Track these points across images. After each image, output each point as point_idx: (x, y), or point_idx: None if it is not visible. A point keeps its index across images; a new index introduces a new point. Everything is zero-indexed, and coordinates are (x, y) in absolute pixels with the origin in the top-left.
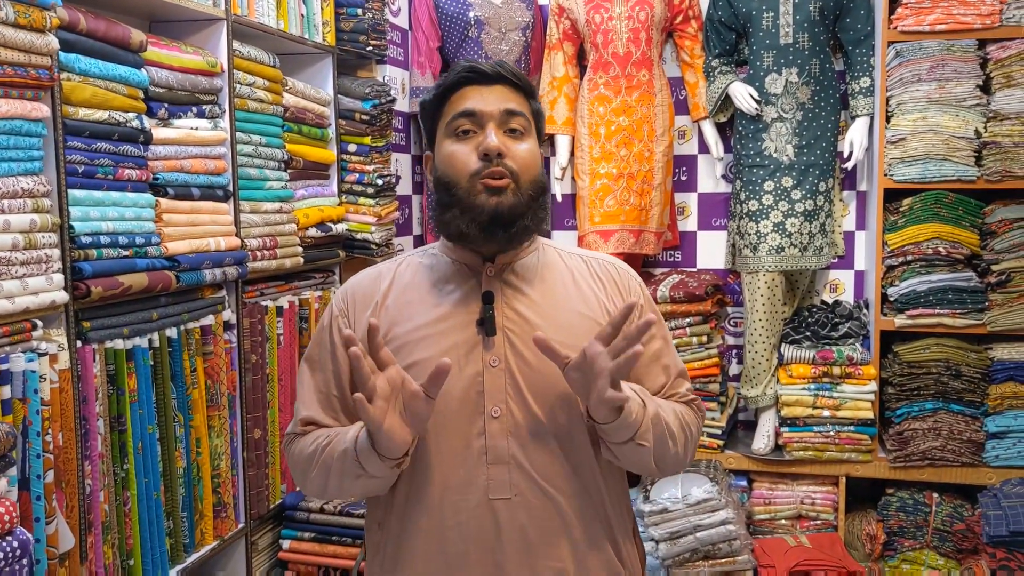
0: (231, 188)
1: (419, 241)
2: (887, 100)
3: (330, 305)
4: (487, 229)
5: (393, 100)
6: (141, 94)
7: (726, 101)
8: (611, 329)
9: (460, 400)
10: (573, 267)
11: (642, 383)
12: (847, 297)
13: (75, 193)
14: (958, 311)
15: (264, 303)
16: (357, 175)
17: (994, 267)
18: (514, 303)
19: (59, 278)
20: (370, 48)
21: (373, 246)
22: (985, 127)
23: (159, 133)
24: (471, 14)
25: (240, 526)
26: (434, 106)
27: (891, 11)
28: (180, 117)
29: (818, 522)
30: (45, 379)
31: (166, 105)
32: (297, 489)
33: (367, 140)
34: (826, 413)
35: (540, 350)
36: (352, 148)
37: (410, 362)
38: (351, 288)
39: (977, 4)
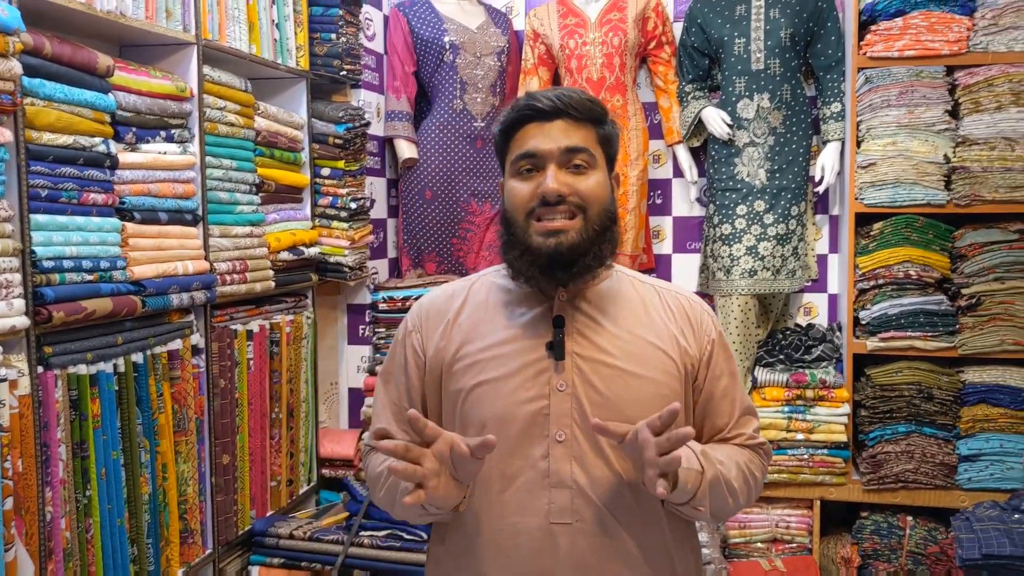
0: (200, 212)
1: (393, 265)
2: (857, 125)
3: (404, 321)
4: (546, 271)
5: (367, 124)
6: (108, 118)
7: (699, 126)
8: (659, 423)
9: (526, 422)
10: (645, 296)
11: (708, 420)
12: (820, 320)
13: (37, 218)
14: (929, 334)
15: (234, 327)
16: (330, 199)
17: (964, 290)
18: (584, 329)
19: (20, 303)
20: (344, 73)
21: (346, 269)
22: (954, 152)
23: (126, 157)
24: (446, 39)
25: (208, 552)
26: (502, 141)
27: (860, 37)
28: (148, 141)
29: (793, 545)
30: (4, 404)
31: (134, 129)
32: (268, 514)
33: (341, 164)
34: (800, 436)
35: (597, 432)
36: (325, 172)
37: (479, 380)
38: (426, 305)
39: (945, 31)
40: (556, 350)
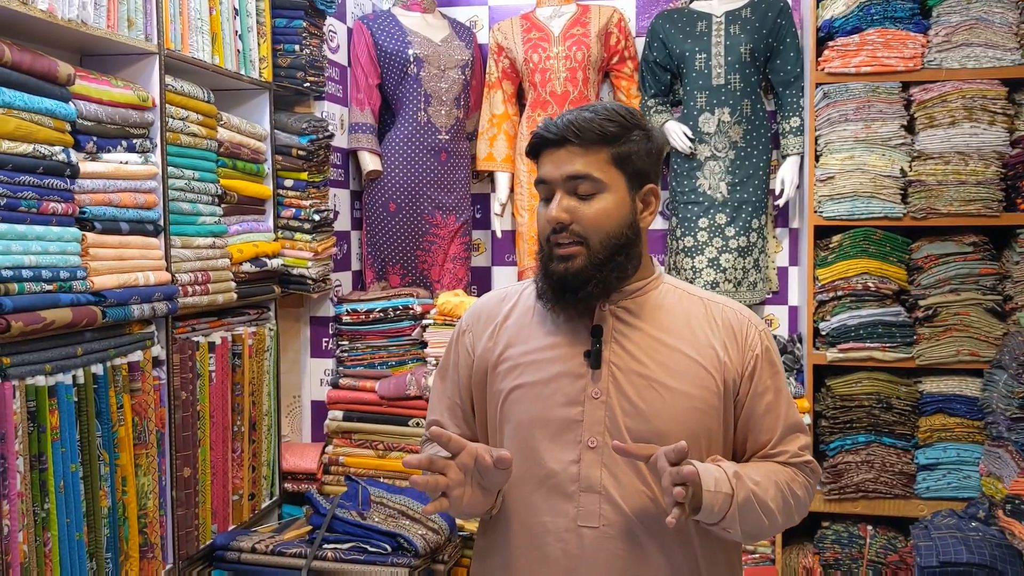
0: (162, 223)
1: (357, 277)
2: (816, 139)
3: (461, 320)
4: (557, 292)
5: (331, 136)
6: (68, 127)
7: None
8: (673, 455)
9: (560, 427)
10: (690, 308)
11: (751, 436)
12: (781, 332)
13: None
14: (888, 345)
15: (196, 339)
16: (294, 210)
17: (921, 302)
18: (623, 340)
19: None
20: (307, 84)
21: (309, 281)
22: (910, 166)
23: (87, 167)
24: (410, 52)
25: (168, 567)
26: (532, 165)
27: (819, 53)
28: (109, 151)
29: (756, 555)
30: None
31: (95, 138)
32: (230, 528)
33: (304, 175)
34: None
35: (618, 454)
36: (289, 183)
37: (519, 383)
38: (480, 305)
39: (900, 48)
40: (593, 359)
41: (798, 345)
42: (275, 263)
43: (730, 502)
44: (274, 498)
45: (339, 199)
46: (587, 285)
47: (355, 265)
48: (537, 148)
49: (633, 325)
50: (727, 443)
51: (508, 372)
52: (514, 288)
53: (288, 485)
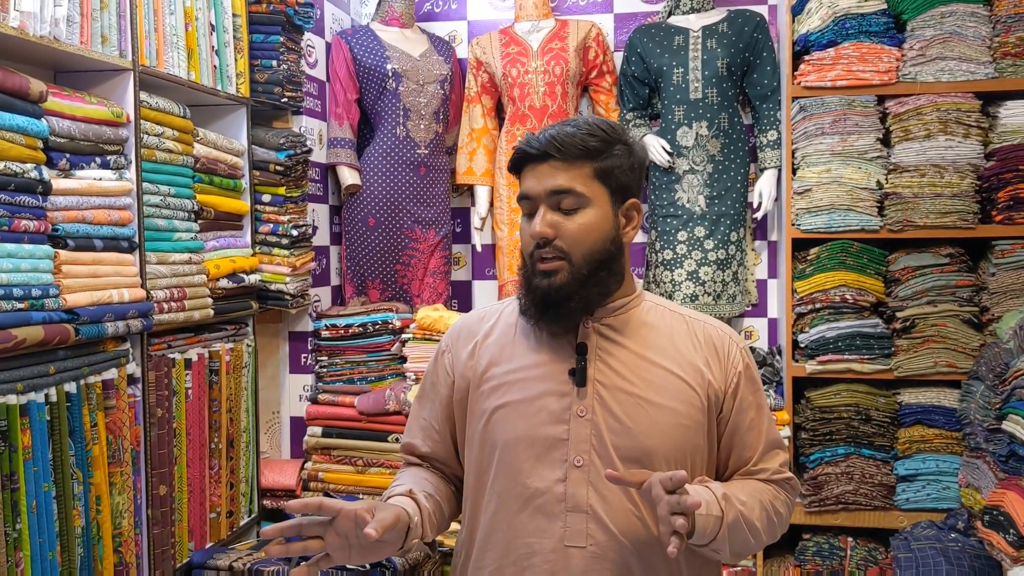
0: (137, 239)
1: (336, 292)
2: (793, 153)
3: (439, 345)
4: (540, 308)
5: (309, 151)
6: (41, 144)
7: None
8: (671, 483)
9: (545, 445)
10: (673, 326)
11: (734, 452)
12: (761, 344)
13: None
14: (866, 357)
15: (172, 356)
16: (271, 226)
17: (899, 314)
18: (607, 357)
19: None
20: (285, 100)
21: (287, 297)
22: (886, 179)
23: (60, 184)
24: (389, 67)
25: None
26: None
27: (795, 67)
28: (83, 167)
29: (737, 569)
30: None
31: (68, 155)
32: (207, 546)
33: (282, 191)
34: None
35: (611, 482)
36: (266, 198)
37: (503, 402)
38: (459, 326)
39: (875, 62)
40: (578, 376)
41: (777, 357)
42: (253, 279)
43: (720, 524)
44: (252, 515)
45: (318, 214)
46: (570, 300)
47: (334, 280)
48: (519, 163)
49: (617, 342)
50: (712, 459)
51: (492, 391)
52: (495, 307)
53: (267, 502)
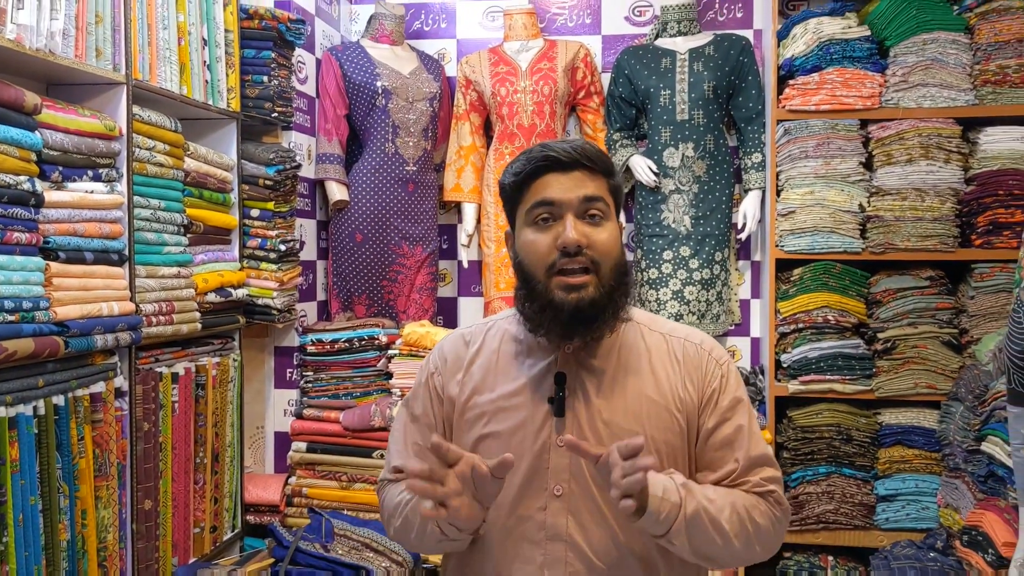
0: (127, 252)
1: (322, 307)
2: (777, 175)
3: (426, 361)
4: (568, 326)
5: (298, 166)
6: (34, 156)
7: (626, 173)
8: (627, 450)
9: (526, 475)
10: (652, 346)
11: (713, 467)
12: (744, 364)
13: None
14: (847, 377)
15: (159, 369)
16: (260, 240)
17: (880, 335)
18: (587, 384)
19: None
20: (275, 115)
21: (275, 312)
22: (868, 202)
23: (52, 196)
24: (378, 84)
25: None
26: (513, 191)
27: (780, 91)
28: (75, 180)
29: None
30: None
31: (60, 168)
32: (191, 561)
33: (270, 205)
34: None
35: (570, 450)
36: (255, 213)
37: (486, 432)
38: (445, 349)
39: (859, 87)
40: (556, 406)
41: (760, 377)
42: (240, 293)
43: (678, 512)
44: (236, 530)
45: (305, 229)
46: (603, 314)
47: (320, 295)
48: (539, 172)
49: (595, 369)
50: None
51: (475, 420)
52: (478, 327)
53: (250, 517)
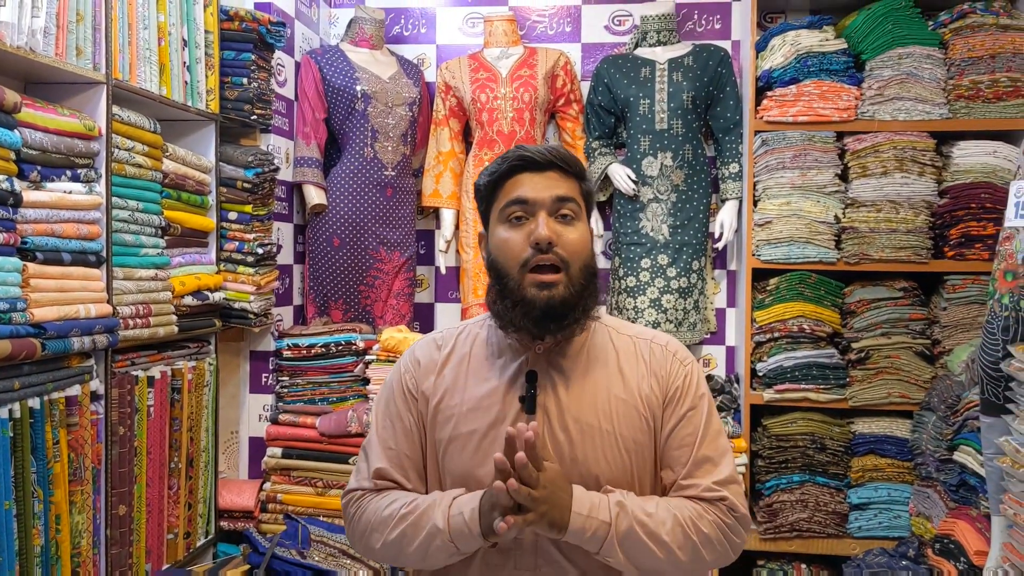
0: (104, 254)
1: (298, 312)
2: (754, 185)
3: (397, 366)
4: (540, 323)
5: (277, 169)
6: (13, 155)
7: (605, 181)
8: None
9: (493, 472)
10: (620, 348)
11: (665, 468)
12: (719, 372)
13: None
14: (822, 386)
15: (135, 373)
16: (237, 243)
17: (854, 345)
18: (557, 384)
19: None
20: (254, 117)
21: (251, 316)
22: (843, 213)
23: (30, 196)
24: (358, 88)
25: None
26: (488, 191)
27: (758, 102)
28: (53, 180)
29: None
30: None
31: (39, 168)
32: (164, 567)
33: (248, 208)
34: None
35: (508, 442)
36: (233, 216)
37: (457, 434)
38: (417, 353)
39: (835, 99)
40: (528, 404)
41: (735, 385)
42: (217, 296)
43: (608, 530)
44: (209, 536)
45: (282, 232)
46: (574, 311)
47: (297, 300)
48: (513, 171)
49: (566, 369)
50: (658, 481)
51: (446, 422)
52: (449, 332)
53: (224, 523)
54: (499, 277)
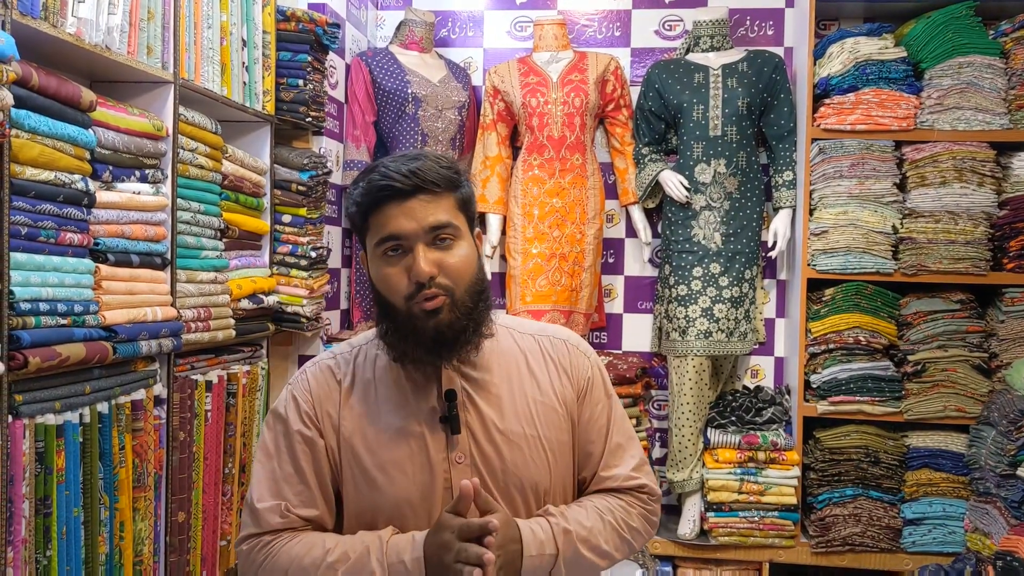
0: (169, 256)
1: (345, 316)
2: (811, 194)
3: (287, 400)
4: (432, 350)
5: (330, 172)
6: (88, 155)
7: (655, 187)
8: (477, 531)
9: (433, 499)
10: (526, 349)
11: (588, 461)
12: (767, 383)
13: (17, 256)
14: (876, 399)
15: (195, 377)
16: (290, 247)
17: (910, 357)
18: (475, 398)
19: None
20: (309, 119)
21: (303, 320)
22: (901, 223)
23: (102, 196)
24: (410, 91)
25: None
26: (360, 220)
27: (815, 109)
28: (124, 180)
29: None
30: None
31: (111, 167)
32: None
33: (302, 211)
34: (751, 498)
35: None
36: (287, 219)
37: (381, 461)
38: (311, 383)
39: (894, 108)
40: (451, 424)
41: (786, 397)
42: (271, 300)
43: (554, 562)
44: None
45: (332, 236)
46: (464, 333)
47: (343, 304)
48: (378, 201)
49: (480, 382)
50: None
51: (367, 451)
52: (341, 357)
53: None
54: (385, 309)
